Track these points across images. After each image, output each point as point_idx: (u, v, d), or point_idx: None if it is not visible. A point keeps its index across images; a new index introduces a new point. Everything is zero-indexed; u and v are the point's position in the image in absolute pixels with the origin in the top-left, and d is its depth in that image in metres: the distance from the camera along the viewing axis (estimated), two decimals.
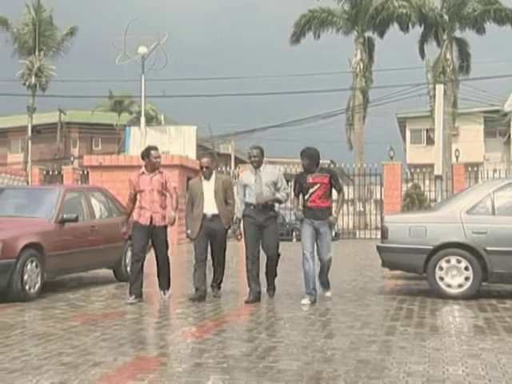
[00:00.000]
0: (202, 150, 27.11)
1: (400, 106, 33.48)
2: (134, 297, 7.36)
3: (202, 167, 7.58)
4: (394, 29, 32.56)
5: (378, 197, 24.48)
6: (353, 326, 6.02)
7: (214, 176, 7.67)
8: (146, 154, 7.59)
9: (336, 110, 32.05)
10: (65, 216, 8.26)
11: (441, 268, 7.74)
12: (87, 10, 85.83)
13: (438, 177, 18.62)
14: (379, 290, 8.73)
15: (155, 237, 7.53)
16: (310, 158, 7.36)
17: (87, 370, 4.39)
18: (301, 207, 7.47)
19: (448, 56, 31.70)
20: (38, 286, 7.67)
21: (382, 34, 33.25)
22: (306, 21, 32.86)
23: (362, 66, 32.66)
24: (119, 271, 9.39)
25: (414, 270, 8.17)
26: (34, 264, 7.61)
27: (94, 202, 9.30)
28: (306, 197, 7.34)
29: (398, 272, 9.21)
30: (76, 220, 8.35)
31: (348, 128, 33.75)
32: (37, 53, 32.04)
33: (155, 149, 7.65)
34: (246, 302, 7.21)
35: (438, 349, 5.06)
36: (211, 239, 7.56)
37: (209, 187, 7.56)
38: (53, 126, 37.68)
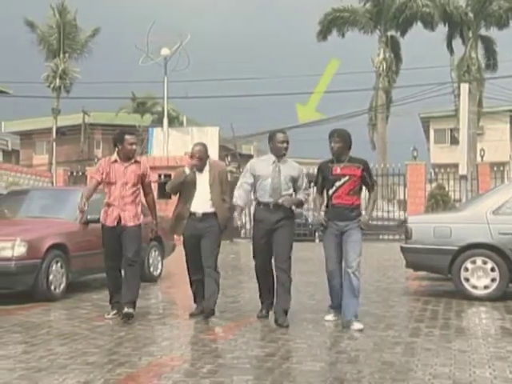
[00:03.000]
0: (224, 150, 27.17)
1: (424, 105, 33.21)
2: (115, 311, 6.37)
3: (192, 158, 6.28)
4: (416, 28, 32.30)
5: (402, 197, 24.27)
6: (376, 327, 5.98)
7: (207, 167, 6.30)
8: (120, 138, 6.27)
9: (358, 110, 31.87)
10: (89, 217, 8.31)
11: (466, 269, 7.65)
12: (107, 11, 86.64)
13: (463, 177, 18.43)
14: (403, 291, 8.65)
15: (123, 239, 6.27)
16: (343, 139, 6.02)
17: (112, 370, 4.43)
18: (323, 207, 6.21)
19: (473, 54, 31.31)
20: (62, 286, 7.75)
21: (403, 33, 33.02)
22: (330, 19, 32.80)
23: (385, 66, 32.45)
24: (143, 272, 9.41)
25: (439, 271, 8.09)
26: (59, 264, 7.69)
27: None
28: (331, 192, 6.01)
29: (422, 273, 9.12)
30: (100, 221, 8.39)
31: (371, 128, 33.56)
32: (61, 55, 32.44)
33: (130, 133, 6.47)
34: (259, 317, 6.33)
35: (464, 351, 5.01)
36: (200, 241, 6.25)
37: (202, 180, 6.25)
38: (77, 128, 38.11)
